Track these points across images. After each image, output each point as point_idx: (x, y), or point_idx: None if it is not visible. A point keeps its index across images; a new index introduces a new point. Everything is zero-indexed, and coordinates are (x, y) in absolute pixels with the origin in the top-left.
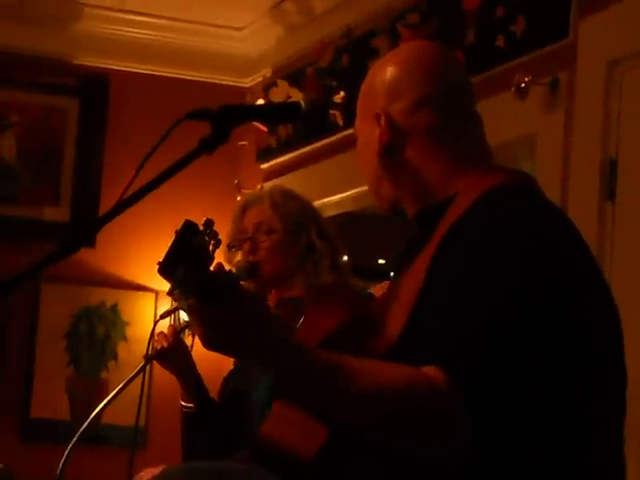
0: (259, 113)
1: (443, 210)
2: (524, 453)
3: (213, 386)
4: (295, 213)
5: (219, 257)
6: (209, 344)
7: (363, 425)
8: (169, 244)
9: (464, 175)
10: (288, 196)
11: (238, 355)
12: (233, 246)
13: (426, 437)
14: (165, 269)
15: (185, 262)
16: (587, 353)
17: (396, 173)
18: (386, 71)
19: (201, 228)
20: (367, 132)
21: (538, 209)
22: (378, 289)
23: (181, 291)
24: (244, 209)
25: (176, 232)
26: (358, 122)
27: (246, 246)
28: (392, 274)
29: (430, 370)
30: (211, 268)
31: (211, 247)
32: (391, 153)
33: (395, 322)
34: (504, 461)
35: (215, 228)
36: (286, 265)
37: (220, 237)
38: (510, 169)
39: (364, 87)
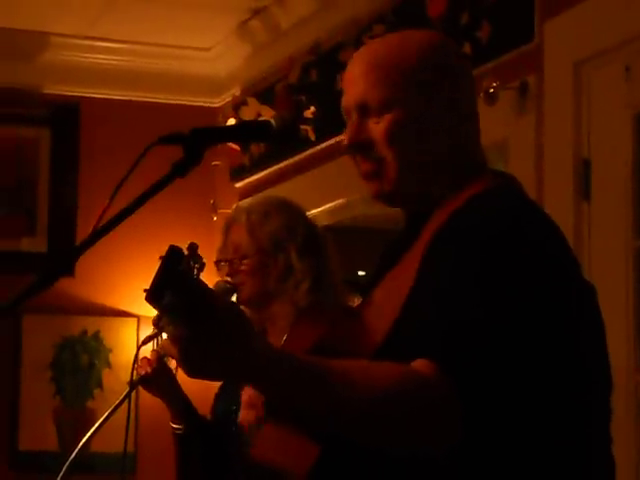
0: (230, 134)
1: (430, 213)
2: (514, 444)
3: (204, 404)
4: (273, 233)
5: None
6: (192, 370)
7: (357, 428)
8: (154, 270)
9: (459, 177)
10: (267, 213)
11: (225, 377)
12: (219, 261)
13: (419, 430)
14: (153, 296)
15: (172, 288)
16: (576, 349)
17: (433, 159)
18: (417, 41)
19: (186, 252)
20: (414, 102)
21: (524, 210)
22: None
23: (169, 318)
24: (228, 227)
25: (161, 258)
26: (390, 92)
27: (225, 268)
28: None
29: (419, 364)
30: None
31: (195, 271)
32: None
33: (382, 323)
34: (494, 452)
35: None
36: (264, 288)
37: (204, 260)
38: (496, 171)
39: (386, 53)
